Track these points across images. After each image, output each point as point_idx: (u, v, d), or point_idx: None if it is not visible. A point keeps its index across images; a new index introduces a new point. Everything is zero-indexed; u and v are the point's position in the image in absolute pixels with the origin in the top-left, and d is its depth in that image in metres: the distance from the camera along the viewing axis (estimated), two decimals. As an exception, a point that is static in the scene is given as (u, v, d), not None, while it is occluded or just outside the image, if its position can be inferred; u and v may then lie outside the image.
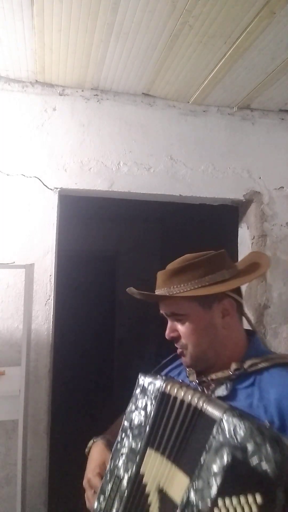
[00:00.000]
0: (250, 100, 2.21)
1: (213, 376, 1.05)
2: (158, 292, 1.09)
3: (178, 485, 0.84)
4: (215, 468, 0.77)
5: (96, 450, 1.13)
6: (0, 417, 1.76)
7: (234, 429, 0.77)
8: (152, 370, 1.23)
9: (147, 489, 0.90)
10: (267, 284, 2.23)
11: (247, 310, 2.29)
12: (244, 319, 1.13)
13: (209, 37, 1.65)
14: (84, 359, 5.22)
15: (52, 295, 1.99)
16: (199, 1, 1.43)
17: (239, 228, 2.43)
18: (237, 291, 1.10)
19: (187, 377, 1.10)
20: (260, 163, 2.30)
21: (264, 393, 0.96)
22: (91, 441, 1.18)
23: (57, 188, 2.03)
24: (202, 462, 0.79)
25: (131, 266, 5.07)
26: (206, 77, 1.95)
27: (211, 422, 0.82)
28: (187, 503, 0.78)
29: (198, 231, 4.42)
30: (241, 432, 0.76)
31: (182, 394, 0.92)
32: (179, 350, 1.08)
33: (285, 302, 2.25)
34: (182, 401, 0.91)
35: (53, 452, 2.08)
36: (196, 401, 0.88)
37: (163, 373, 1.22)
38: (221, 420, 0.80)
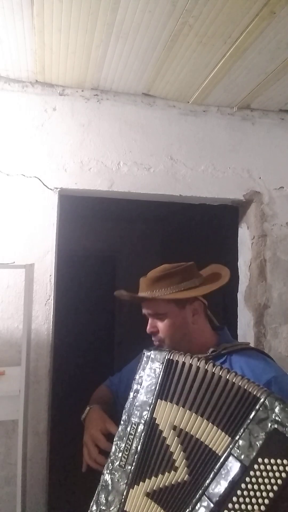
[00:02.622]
0: (250, 100, 2.21)
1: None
2: (142, 295, 1.33)
3: (208, 434, 1.00)
4: (258, 434, 0.94)
5: (94, 413, 1.30)
6: (0, 417, 1.76)
7: (277, 409, 0.94)
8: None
9: (160, 428, 1.06)
10: (267, 284, 2.23)
11: (247, 310, 2.30)
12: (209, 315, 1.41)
13: (209, 37, 1.65)
14: (84, 359, 5.21)
15: (52, 295, 1.99)
16: (199, 1, 1.43)
17: (239, 228, 2.43)
18: (204, 294, 1.36)
19: None
20: (260, 163, 2.30)
21: (233, 367, 1.23)
22: (87, 408, 1.35)
23: (57, 188, 2.03)
24: (245, 427, 0.96)
25: (131, 266, 5.06)
26: (206, 77, 1.95)
27: (250, 397, 0.99)
28: (229, 455, 0.95)
29: (198, 231, 4.42)
30: (282, 412, 0.94)
31: (190, 360, 1.10)
32: (156, 343, 1.33)
33: (285, 302, 2.25)
34: (191, 365, 1.08)
35: (53, 452, 2.08)
36: (213, 369, 1.06)
37: None
38: (265, 400, 0.96)
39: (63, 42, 1.69)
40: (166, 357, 1.13)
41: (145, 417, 1.08)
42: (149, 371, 1.14)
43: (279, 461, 0.91)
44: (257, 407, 0.97)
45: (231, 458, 0.95)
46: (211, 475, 0.96)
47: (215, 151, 2.25)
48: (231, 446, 0.96)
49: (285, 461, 0.90)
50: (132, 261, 5.20)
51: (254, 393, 0.99)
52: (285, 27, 1.58)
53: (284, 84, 2.02)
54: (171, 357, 1.12)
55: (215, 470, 0.96)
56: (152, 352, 1.17)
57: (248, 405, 0.98)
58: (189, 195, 2.20)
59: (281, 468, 0.90)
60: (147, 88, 2.11)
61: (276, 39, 1.65)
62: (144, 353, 1.19)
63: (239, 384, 1.01)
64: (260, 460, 0.92)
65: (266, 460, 0.91)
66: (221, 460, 0.96)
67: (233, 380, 1.02)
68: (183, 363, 1.10)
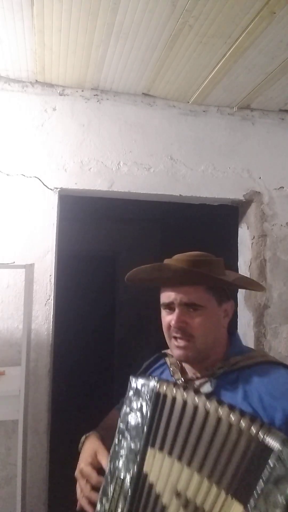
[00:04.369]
0: (250, 100, 2.21)
1: (198, 374, 1.08)
2: (194, 269, 1.04)
3: (213, 501, 0.81)
4: (275, 500, 0.74)
5: (88, 443, 1.15)
6: (0, 417, 1.76)
7: None
8: (138, 372, 1.24)
9: (157, 490, 0.88)
10: (267, 284, 2.23)
11: (247, 310, 2.30)
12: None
13: (209, 37, 1.64)
14: (84, 359, 5.21)
15: (52, 295, 1.99)
16: (199, 1, 1.43)
17: (239, 228, 2.43)
18: None
19: (172, 376, 1.13)
20: (260, 163, 2.30)
21: (248, 391, 0.98)
22: (83, 437, 1.19)
23: (57, 188, 2.03)
24: (259, 491, 0.76)
25: (131, 266, 5.03)
26: (206, 77, 1.95)
27: (264, 449, 0.78)
28: None
29: (198, 231, 4.42)
30: None
31: (182, 395, 0.92)
32: (181, 344, 1.05)
33: (285, 302, 2.25)
34: (185, 403, 0.90)
35: (53, 452, 2.08)
36: (209, 407, 0.87)
37: (148, 373, 1.23)
38: (281, 451, 0.76)
39: (63, 42, 1.69)
40: (154, 390, 0.95)
41: (132, 471, 0.91)
42: (135, 408, 0.97)
43: None
44: (270, 461, 0.76)
45: None
46: None
47: (215, 151, 2.25)
48: None
49: None
50: (132, 261, 5.18)
51: (265, 441, 0.78)
52: (285, 27, 1.58)
53: (284, 84, 2.02)
54: (160, 390, 0.95)
55: None
56: (138, 381, 1.00)
57: (259, 458, 0.78)
58: (189, 195, 2.20)
59: None
60: (147, 88, 2.11)
61: (276, 39, 1.65)
62: (130, 382, 1.03)
63: (245, 428, 0.82)
64: None
65: None
66: None
67: (238, 424, 0.82)
68: (174, 399, 0.92)
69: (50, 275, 1.99)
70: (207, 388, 1.03)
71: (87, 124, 2.10)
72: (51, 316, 1.98)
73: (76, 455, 1.16)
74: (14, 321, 1.93)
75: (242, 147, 2.29)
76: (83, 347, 5.21)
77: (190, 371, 1.12)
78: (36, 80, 2.04)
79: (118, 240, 5.31)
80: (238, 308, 2.39)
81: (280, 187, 2.31)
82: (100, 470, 1.04)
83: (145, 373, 1.23)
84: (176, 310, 1.06)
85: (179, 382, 1.09)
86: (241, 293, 2.36)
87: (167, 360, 1.20)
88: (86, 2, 1.45)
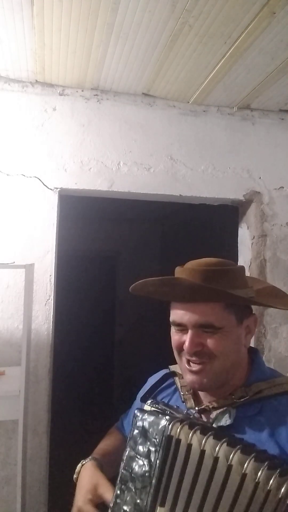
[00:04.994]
0: (250, 100, 2.21)
1: (214, 403, 0.94)
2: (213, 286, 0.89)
3: None
4: None
5: (85, 474, 0.98)
6: (0, 417, 1.76)
7: None
8: (144, 389, 1.12)
9: None
10: (267, 284, 2.23)
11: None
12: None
13: (209, 37, 1.64)
14: (84, 359, 5.22)
15: (52, 295, 1.99)
16: (199, 1, 1.43)
17: (239, 228, 2.43)
18: None
19: (183, 402, 1.00)
20: (260, 163, 2.30)
21: (275, 427, 0.86)
22: (79, 465, 1.03)
23: (57, 188, 2.03)
24: None
25: (131, 266, 5.07)
26: (206, 77, 1.95)
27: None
28: None
29: (198, 231, 4.42)
30: None
31: (200, 442, 0.75)
32: (196, 368, 0.91)
33: (285, 302, 2.25)
34: (203, 452, 0.75)
35: (53, 452, 2.08)
36: (236, 460, 0.71)
37: (154, 395, 1.09)
38: None
39: (63, 42, 1.69)
40: (165, 433, 0.78)
41: None
42: (142, 452, 0.80)
43: None
44: None
45: None
46: None
47: (215, 151, 2.25)
48: None
49: None
50: (132, 261, 5.21)
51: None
52: (285, 27, 1.58)
53: (284, 84, 2.02)
54: (172, 433, 0.78)
55: None
56: (146, 419, 0.82)
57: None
58: (189, 195, 2.20)
59: None
60: (147, 88, 2.11)
61: (276, 39, 1.65)
62: (135, 417, 0.85)
63: (269, 489, 0.68)
64: None
65: None
66: None
67: (264, 484, 0.69)
68: (189, 446, 0.75)
69: (50, 275, 1.99)
70: (225, 420, 0.90)
71: (87, 124, 2.10)
72: (51, 316, 1.98)
73: (76, 455, 1.15)
74: (14, 321, 1.93)
75: (242, 147, 2.29)
76: (83, 347, 5.21)
77: (205, 398, 0.99)
78: (36, 80, 2.04)
79: (118, 240, 5.31)
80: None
81: (280, 187, 2.31)
82: (101, 505, 0.91)
83: (152, 394, 1.09)
84: (190, 332, 0.91)
85: (192, 412, 0.95)
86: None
87: (177, 381, 1.07)
88: (86, 2, 1.45)
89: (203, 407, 0.96)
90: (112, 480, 0.92)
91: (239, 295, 0.90)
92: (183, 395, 1.01)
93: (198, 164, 2.22)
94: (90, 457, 1.04)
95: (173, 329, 0.97)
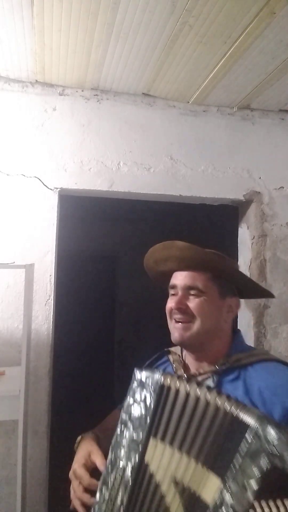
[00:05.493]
0: (250, 100, 2.21)
1: (201, 370, 1.13)
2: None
3: (205, 484, 0.84)
4: (251, 472, 0.77)
5: (83, 444, 1.16)
6: (0, 417, 1.76)
7: (272, 438, 0.77)
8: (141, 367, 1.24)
9: (157, 479, 0.89)
10: (267, 284, 2.23)
11: (247, 310, 2.30)
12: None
13: (209, 37, 1.64)
14: (84, 359, 5.21)
15: (52, 295, 1.99)
16: (199, 1, 1.43)
17: (239, 228, 2.43)
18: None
19: (174, 372, 1.17)
20: (260, 163, 2.30)
21: (249, 387, 1.03)
22: (79, 437, 1.20)
23: (57, 188, 2.03)
24: (236, 466, 0.79)
25: (131, 267, 5.06)
26: (206, 77, 1.95)
27: (242, 426, 0.81)
28: (222, 504, 0.78)
29: (198, 231, 4.42)
30: (279, 441, 0.76)
31: (185, 387, 0.92)
32: (180, 325, 1.11)
33: (285, 302, 2.25)
34: (187, 394, 0.91)
35: (53, 452, 2.08)
36: (209, 397, 0.89)
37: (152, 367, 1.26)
38: (257, 427, 0.79)
39: (63, 42, 1.69)
40: (159, 382, 0.95)
41: (133, 460, 0.92)
42: (139, 399, 0.97)
43: (278, 503, 0.74)
44: (247, 436, 0.79)
45: (223, 508, 0.77)
46: None
47: (215, 151, 2.25)
48: (223, 491, 0.79)
49: (286, 502, 0.74)
50: (132, 261, 5.20)
51: (243, 418, 0.82)
52: (285, 27, 1.58)
53: (284, 84, 2.02)
54: (164, 382, 0.94)
55: None
56: (143, 374, 1.00)
57: (238, 435, 0.81)
58: (189, 195, 2.20)
59: (282, 510, 0.74)
60: (147, 88, 2.11)
61: (276, 39, 1.65)
62: (134, 374, 1.02)
63: (227, 409, 0.85)
64: (256, 504, 0.75)
65: (263, 504, 0.75)
66: None
67: (223, 406, 0.86)
68: (177, 391, 0.92)
69: (50, 275, 1.99)
70: (209, 384, 1.06)
71: (87, 124, 2.10)
72: (51, 316, 1.98)
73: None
74: (14, 321, 1.93)
75: (242, 147, 2.29)
76: (83, 347, 5.21)
77: (192, 367, 1.16)
78: (36, 80, 2.04)
79: (118, 240, 5.30)
80: (238, 308, 2.39)
81: (280, 187, 2.31)
82: (93, 471, 1.05)
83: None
84: (179, 293, 1.13)
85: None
86: (241, 293, 2.36)
87: (170, 357, 1.24)
88: (86, 2, 1.45)
89: (191, 373, 1.14)
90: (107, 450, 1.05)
91: (222, 267, 1.13)
92: (174, 366, 1.19)
93: (198, 164, 2.22)
94: (89, 431, 1.21)
95: (169, 298, 1.17)
